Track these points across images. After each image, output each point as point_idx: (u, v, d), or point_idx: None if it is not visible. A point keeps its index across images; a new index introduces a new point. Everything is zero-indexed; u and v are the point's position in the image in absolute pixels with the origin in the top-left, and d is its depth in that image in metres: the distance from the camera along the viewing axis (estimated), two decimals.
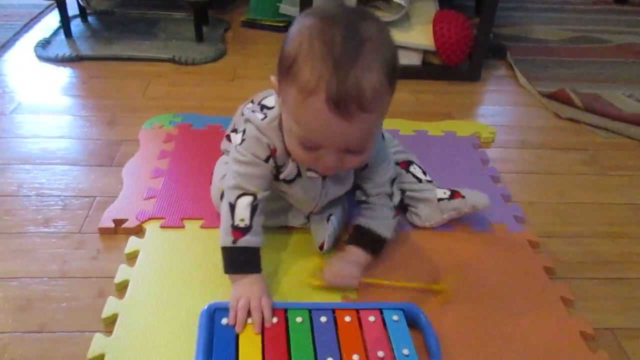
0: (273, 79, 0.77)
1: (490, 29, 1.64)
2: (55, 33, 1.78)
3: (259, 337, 0.74)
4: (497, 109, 1.54)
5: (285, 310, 0.78)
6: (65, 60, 1.62)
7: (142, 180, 1.08)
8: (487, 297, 0.87)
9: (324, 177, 0.86)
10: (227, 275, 0.83)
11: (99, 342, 0.75)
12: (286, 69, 0.70)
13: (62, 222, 0.98)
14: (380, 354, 0.72)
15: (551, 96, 1.55)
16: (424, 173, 1.02)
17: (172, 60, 1.66)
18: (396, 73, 0.72)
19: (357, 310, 0.79)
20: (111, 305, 0.81)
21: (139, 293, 0.83)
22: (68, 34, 1.75)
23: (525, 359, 0.77)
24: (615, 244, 1.02)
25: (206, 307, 0.77)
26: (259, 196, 0.82)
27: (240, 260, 0.81)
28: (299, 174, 0.85)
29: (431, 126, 1.35)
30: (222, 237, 0.81)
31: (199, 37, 1.78)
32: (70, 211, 1.01)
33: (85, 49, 1.69)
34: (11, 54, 1.67)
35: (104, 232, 0.96)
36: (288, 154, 0.82)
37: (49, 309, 0.81)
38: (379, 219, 0.90)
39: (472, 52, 1.63)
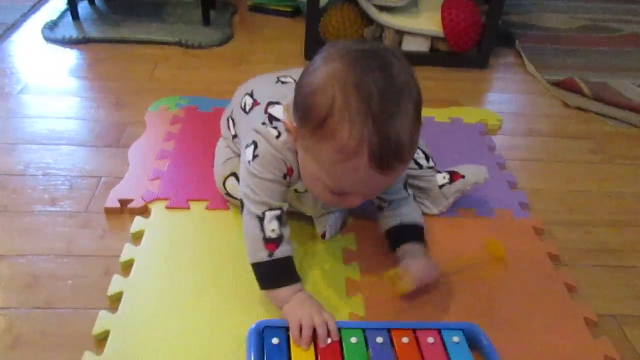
0: (287, 121, 0.74)
1: (499, 16, 1.63)
2: (62, 15, 1.78)
3: (312, 357, 0.69)
4: (505, 97, 1.53)
5: (339, 330, 0.73)
6: (72, 42, 1.62)
7: (148, 162, 1.09)
8: (491, 282, 0.87)
9: None
10: (231, 255, 0.83)
11: (104, 319, 0.75)
12: (316, 123, 0.66)
13: (68, 202, 0.99)
14: None
15: (559, 84, 1.54)
16: (427, 158, 0.99)
17: (179, 44, 1.65)
18: (421, 105, 0.69)
19: (414, 330, 0.74)
20: (116, 283, 0.81)
21: (144, 271, 0.84)
22: (75, 16, 1.75)
23: (528, 344, 0.77)
24: (620, 232, 1.02)
25: (254, 325, 0.73)
26: (284, 208, 0.79)
27: (279, 273, 0.77)
28: (307, 190, 0.84)
29: (438, 112, 1.35)
30: (252, 252, 0.77)
31: (206, 21, 1.77)
32: (76, 191, 1.02)
33: (92, 31, 1.68)
34: (18, 35, 1.67)
35: (109, 211, 0.97)
36: (299, 174, 0.79)
37: (55, 286, 0.82)
38: (409, 213, 0.88)
39: (481, 39, 1.62)
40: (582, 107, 1.45)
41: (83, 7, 1.82)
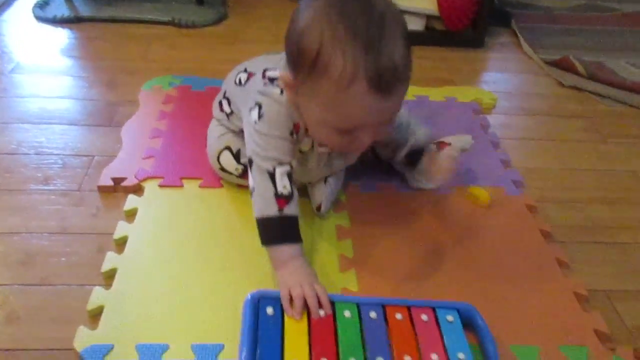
0: (284, 75, 0.74)
1: None
2: None
3: (306, 330, 0.69)
4: (500, 76, 1.52)
5: (332, 303, 0.73)
6: (64, 21, 1.61)
7: (141, 140, 1.08)
8: (483, 257, 0.87)
9: (329, 153, 0.87)
10: (225, 233, 0.84)
11: (98, 295, 0.76)
12: (309, 64, 0.67)
13: (61, 180, 0.99)
14: (434, 357, 0.67)
15: (555, 64, 1.53)
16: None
17: (172, 23, 1.64)
18: (409, 36, 0.70)
19: (409, 308, 0.74)
20: (110, 260, 0.81)
21: (137, 248, 0.84)
22: None
23: (520, 318, 0.78)
24: (612, 209, 1.03)
25: (249, 296, 0.72)
26: (293, 164, 0.79)
27: (284, 231, 0.77)
28: (312, 147, 0.85)
29: (432, 91, 1.34)
30: (261, 207, 0.77)
31: (200, 0, 1.75)
32: (69, 169, 1.01)
33: (84, 10, 1.66)
34: (9, 14, 1.65)
35: (103, 190, 0.96)
36: (306, 129, 0.80)
37: (50, 263, 0.82)
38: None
39: (476, 18, 1.61)
40: (577, 87, 1.45)
41: None
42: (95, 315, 0.74)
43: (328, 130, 0.74)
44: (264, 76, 0.84)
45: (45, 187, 0.97)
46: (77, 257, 0.84)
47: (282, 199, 0.77)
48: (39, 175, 1.00)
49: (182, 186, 0.97)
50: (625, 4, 2.02)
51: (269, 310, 0.71)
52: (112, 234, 0.86)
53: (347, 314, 0.72)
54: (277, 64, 0.83)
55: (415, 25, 1.62)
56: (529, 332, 0.76)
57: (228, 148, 0.93)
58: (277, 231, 0.77)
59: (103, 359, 0.67)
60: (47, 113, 1.18)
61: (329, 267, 0.84)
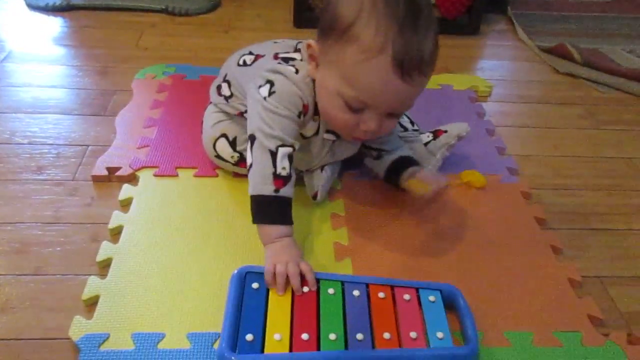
0: (313, 43, 0.76)
1: None
2: None
3: (289, 304, 0.71)
4: (495, 63, 1.52)
5: (318, 281, 0.74)
6: (56, 10, 1.59)
7: (135, 130, 1.07)
8: (478, 244, 0.88)
9: (334, 141, 0.87)
10: (220, 222, 0.84)
11: (93, 284, 0.76)
12: (342, 30, 0.70)
13: (55, 170, 0.98)
14: (413, 334, 0.68)
15: (550, 51, 1.53)
16: (412, 123, 1.03)
17: (165, 11, 1.62)
18: (438, 33, 0.73)
19: (392, 287, 0.75)
20: (105, 249, 0.81)
21: (133, 238, 0.84)
22: None
23: (514, 303, 0.78)
24: (606, 196, 1.03)
25: (237, 270, 0.74)
26: (295, 147, 0.79)
27: (277, 211, 0.77)
28: (316, 133, 0.85)
29: None
30: (257, 184, 0.77)
31: None
32: (63, 159, 1.01)
33: None
34: (1, 2, 1.64)
35: (97, 179, 0.96)
36: (314, 112, 0.82)
37: (44, 253, 0.82)
38: (406, 151, 0.94)
39: (472, 6, 1.60)
40: (573, 73, 1.44)
41: None
42: (90, 305, 0.74)
43: (340, 105, 0.75)
44: (276, 57, 0.84)
45: (39, 177, 0.96)
46: (72, 246, 0.83)
47: (279, 180, 0.77)
48: (33, 165, 0.99)
49: (177, 175, 0.97)
50: None
51: (255, 285, 0.73)
52: (107, 223, 0.86)
53: (330, 291, 0.73)
54: (287, 49, 0.85)
55: None
56: (523, 318, 0.76)
57: (224, 135, 0.92)
58: (269, 211, 0.77)
59: (99, 348, 0.67)
60: (40, 102, 1.17)
61: (324, 256, 0.84)
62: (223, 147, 0.93)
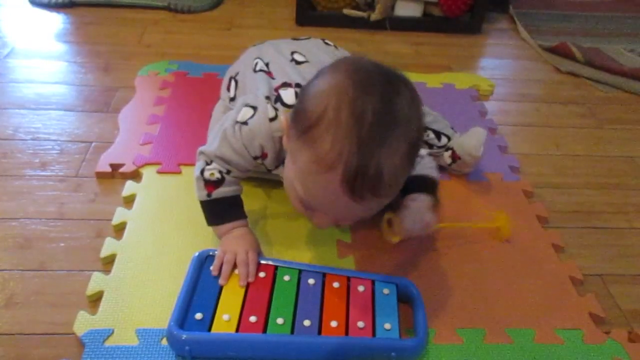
0: (283, 119, 0.72)
1: None
2: None
3: (243, 288, 0.73)
4: (497, 62, 1.52)
5: (276, 267, 0.77)
6: (59, 6, 1.59)
7: (138, 126, 1.08)
8: (480, 242, 0.88)
9: None
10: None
11: (97, 280, 0.76)
12: (303, 128, 0.63)
13: (59, 166, 0.98)
14: (360, 324, 0.70)
15: (552, 50, 1.53)
16: (438, 138, 0.99)
17: (167, 8, 1.62)
18: (418, 148, 0.66)
19: (349, 278, 0.76)
20: (109, 245, 0.82)
21: (136, 234, 0.84)
22: None
23: (516, 301, 0.79)
24: (608, 194, 1.03)
25: (197, 253, 0.77)
26: (232, 174, 0.79)
27: (220, 211, 0.80)
28: None
29: (430, 78, 1.34)
30: (196, 192, 0.79)
31: None
32: (66, 155, 1.01)
33: None
34: None
35: (101, 176, 0.96)
36: (279, 163, 0.80)
37: (48, 249, 0.82)
38: (421, 166, 0.85)
39: (474, 4, 1.60)
40: (574, 73, 1.45)
41: None
42: (94, 300, 0.74)
43: (294, 194, 0.70)
44: (277, 90, 0.82)
45: (43, 173, 0.97)
46: (76, 242, 0.84)
47: (210, 185, 0.78)
48: (36, 160, 0.99)
49: (180, 172, 0.97)
50: None
51: (212, 268, 0.75)
52: (110, 219, 0.86)
53: (286, 278, 0.75)
54: (299, 79, 0.82)
55: (413, 11, 1.61)
56: (524, 315, 0.77)
57: None
58: (214, 213, 0.80)
59: (103, 344, 0.68)
60: (43, 99, 1.17)
61: (327, 254, 0.84)
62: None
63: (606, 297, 0.82)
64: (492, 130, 1.17)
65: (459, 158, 0.97)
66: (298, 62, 0.90)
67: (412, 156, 0.65)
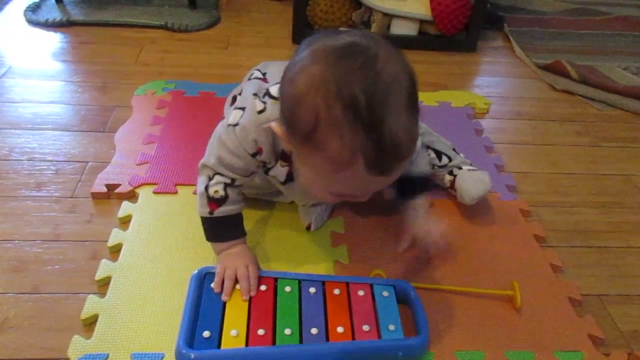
0: (276, 127, 0.67)
1: None
2: None
3: (246, 303, 0.74)
4: (493, 80, 1.53)
5: (275, 279, 0.78)
6: (56, 25, 1.60)
7: (134, 146, 1.08)
8: (477, 261, 0.88)
9: None
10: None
11: (92, 303, 0.75)
12: (303, 136, 0.61)
13: (54, 187, 0.98)
14: (366, 327, 0.72)
15: (547, 67, 1.54)
16: (439, 158, 0.99)
17: (164, 27, 1.63)
18: (415, 88, 0.62)
19: (347, 284, 0.78)
20: (104, 267, 0.81)
21: (132, 256, 0.83)
22: None
23: (515, 322, 0.78)
24: (605, 213, 1.03)
25: (196, 271, 0.77)
26: (237, 182, 0.78)
27: (220, 229, 0.80)
28: (290, 179, 0.81)
29: (426, 96, 1.35)
30: (198, 207, 0.79)
31: (192, 4, 1.75)
32: (62, 176, 1.01)
33: (76, 14, 1.65)
34: (0, 18, 1.64)
35: (96, 196, 0.96)
36: (276, 157, 0.78)
37: (43, 271, 0.81)
38: (417, 162, 0.87)
39: (469, 23, 1.62)
40: (569, 90, 1.46)
41: None
42: (89, 324, 0.73)
43: (320, 189, 0.70)
44: (267, 90, 0.77)
45: (38, 194, 0.96)
46: (71, 264, 0.83)
47: (213, 203, 0.78)
48: (32, 181, 0.99)
49: (176, 192, 0.97)
50: (616, 7, 2.04)
51: (214, 284, 0.76)
52: (106, 241, 0.86)
53: (287, 288, 0.76)
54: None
55: (408, 29, 1.62)
56: (524, 338, 0.76)
57: None
58: (213, 230, 0.80)
59: None
60: (39, 118, 1.17)
61: (321, 244, 0.88)
62: None
63: (605, 317, 0.81)
64: (488, 149, 1.17)
65: (455, 189, 0.97)
66: None
67: (413, 103, 0.62)
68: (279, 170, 0.80)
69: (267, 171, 0.81)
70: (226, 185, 0.78)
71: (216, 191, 0.77)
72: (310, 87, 0.60)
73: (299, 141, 0.63)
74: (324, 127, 0.59)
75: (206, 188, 0.77)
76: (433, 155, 0.99)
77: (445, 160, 0.99)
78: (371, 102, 0.57)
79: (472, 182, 0.95)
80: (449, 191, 1.00)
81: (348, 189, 0.67)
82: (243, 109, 0.77)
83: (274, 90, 0.74)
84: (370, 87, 0.58)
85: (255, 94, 0.77)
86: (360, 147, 0.58)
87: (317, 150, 0.61)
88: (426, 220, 0.84)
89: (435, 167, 0.99)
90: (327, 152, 0.60)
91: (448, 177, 0.98)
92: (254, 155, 0.76)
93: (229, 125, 0.76)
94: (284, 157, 0.78)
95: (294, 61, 0.64)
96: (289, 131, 0.65)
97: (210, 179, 0.78)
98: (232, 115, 0.77)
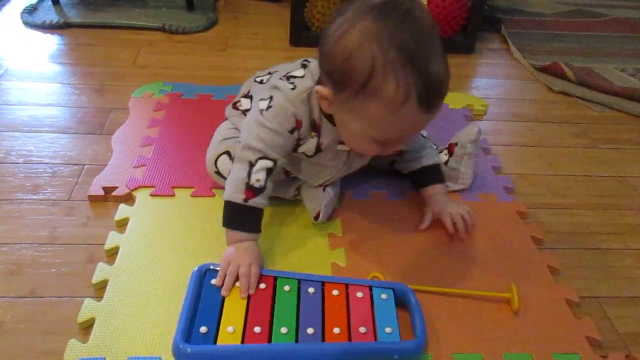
0: (322, 90, 0.75)
1: (485, 1, 1.62)
2: None
3: (245, 300, 0.74)
4: (490, 82, 1.53)
5: (275, 278, 0.78)
6: (53, 27, 1.59)
7: (132, 148, 1.07)
8: (474, 264, 0.88)
9: (349, 152, 0.87)
10: (217, 242, 0.84)
11: (89, 307, 0.75)
12: (359, 85, 0.69)
13: (51, 189, 0.98)
14: (362, 329, 0.72)
15: (544, 69, 1.54)
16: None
17: (162, 29, 1.63)
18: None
19: (347, 285, 0.78)
20: (101, 271, 0.81)
21: (129, 259, 0.83)
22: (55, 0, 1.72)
23: (512, 325, 0.78)
24: (602, 215, 1.03)
25: (197, 267, 0.77)
26: (279, 163, 0.81)
27: (244, 218, 0.80)
28: (318, 150, 0.85)
29: None
30: (230, 191, 0.79)
31: (190, 6, 1.75)
32: (59, 178, 1.00)
33: (72, 16, 1.65)
34: None
35: (93, 199, 0.96)
36: (311, 128, 0.83)
37: (39, 274, 0.81)
38: (429, 155, 0.96)
39: (467, 24, 1.62)
40: (567, 92, 1.46)
41: None
42: (86, 328, 0.73)
43: (366, 141, 0.76)
44: (286, 75, 0.85)
45: (35, 197, 0.96)
46: (68, 267, 0.83)
47: (250, 190, 0.79)
48: (28, 184, 0.98)
49: (173, 195, 0.96)
50: (614, 9, 2.04)
51: (213, 281, 0.76)
52: (103, 244, 0.86)
53: (286, 288, 0.77)
54: (296, 67, 0.86)
55: None
56: (521, 340, 0.76)
57: (227, 152, 0.92)
58: (238, 218, 0.80)
59: None
60: (36, 121, 1.17)
61: (318, 246, 0.88)
62: (224, 165, 0.92)
63: (603, 320, 0.81)
64: (485, 151, 1.17)
65: (456, 144, 0.99)
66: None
67: (443, 48, 0.71)
68: (310, 142, 0.84)
69: (296, 149, 0.85)
70: (268, 171, 0.80)
71: (258, 180, 0.79)
72: (364, 38, 0.68)
73: (351, 94, 0.71)
74: (380, 71, 0.67)
75: (249, 175, 0.79)
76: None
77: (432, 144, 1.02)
78: (419, 46, 0.67)
79: (462, 131, 1.00)
80: (451, 166, 1.00)
81: (398, 131, 0.74)
82: (270, 97, 0.81)
83: (295, 72, 0.83)
84: (416, 34, 0.67)
85: (280, 79, 0.83)
86: (413, 84, 0.67)
87: (373, 96, 0.69)
88: (447, 202, 0.92)
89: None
90: (384, 95, 0.68)
91: (443, 152, 1.02)
92: (292, 131, 0.81)
93: (261, 111, 0.81)
94: (315, 127, 0.83)
95: (337, 23, 0.71)
96: (338, 88, 0.72)
97: (252, 165, 0.79)
98: (259, 105, 0.82)
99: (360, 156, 0.90)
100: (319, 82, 0.79)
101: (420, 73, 0.67)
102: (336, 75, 0.72)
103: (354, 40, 0.69)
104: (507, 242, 0.93)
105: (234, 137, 0.93)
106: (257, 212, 0.81)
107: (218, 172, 0.93)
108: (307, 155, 0.86)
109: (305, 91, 0.80)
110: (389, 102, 0.68)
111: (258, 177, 0.79)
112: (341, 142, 0.85)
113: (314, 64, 0.83)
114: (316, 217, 0.91)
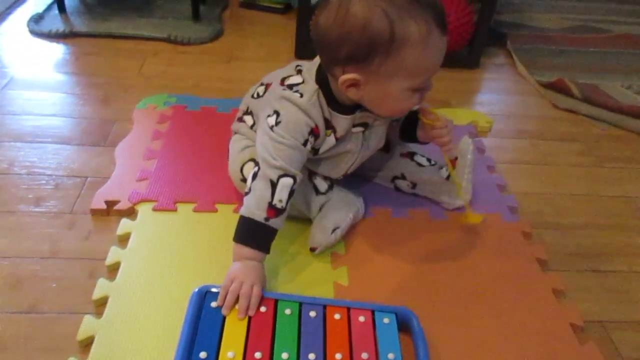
0: (351, 76, 0.76)
1: (492, 15, 1.63)
2: (48, 8, 1.76)
3: (245, 324, 0.73)
4: (495, 97, 1.53)
5: (276, 301, 0.77)
6: (59, 36, 1.60)
7: (135, 161, 1.07)
8: (478, 287, 0.87)
9: (363, 131, 0.88)
10: (219, 260, 0.83)
11: (89, 324, 0.74)
12: (387, 45, 0.72)
13: (53, 202, 0.97)
14: (365, 355, 0.70)
15: (550, 86, 1.54)
16: (429, 160, 1.03)
17: (167, 39, 1.63)
18: None
19: (349, 309, 0.77)
20: (102, 286, 0.80)
21: (130, 275, 0.83)
22: (62, 8, 1.72)
23: (515, 349, 0.77)
24: (608, 236, 1.02)
25: (197, 289, 0.76)
26: (298, 179, 0.81)
27: (259, 236, 0.80)
28: (335, 146, 0.87)
29: None
30: (251, 208, 0.79)
31: (196, 16, 1.75)
32: (61, 191, 1.00)
33: (79, 25, 1.66)
34: (3, 28, 1.64)
35: (95, 213, 0.95)
36: (325, 127, 0.84)
37: (39, 289, 0.81)
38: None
39: (472, 39, 1.62)
40: (572, 109, 1.45)
41: (70, 0, 1.79)
42: (85, 345, 0.72)
43: (408, 96, 0.78)
44: (282, 83, 0.85)
45: (37, 209, 0.95)
46: (68, 282, 0.82)
47: (273, 210, 0.79)
48: (31, 196, 0.98)
49: (175, 210, 0.96)
50: (619, 25, 2.04)
51: (214, 304, 0.75)
52: (104, 259, 0.85)
53: (287, 311, 0.75)
54: (290, 72, 0.86)
55: None
56: None
57: (253, 160, 0.91)
58: (252, 235, 0.80)
59: None
60: (40, 131, 1.16)
61: (321, 265, 0.87)
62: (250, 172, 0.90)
63: (608, 344, 0.80)
64: (490, 169, 1.16)
65: (456, 158, 0.98)
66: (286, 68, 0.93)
67: None
68: (328, 141, 0.86)
69: (316, 153, 0.87)
70: (290, 193, 0.80)
71: (280, 200, 0.79)
72: (369, 4, 0.72)
73: (382, 57, 0.73)
74: (398, 21, 0.71)
75: (272, 194, 0.79)
76: (422, 158, 1.04)
77: (433, 161, 1.04)
78: None
79: (459, 147, 0.98)
80: (452, 180, 0.98)
81: (432, 66, 0.76)
82: (276, 112, 0.82)
83: (292, 80, 0.84)
84: None
85: (284, 90, 0.83)
86: (427, 17, 0.72)
87: (402, 45, 0.72)
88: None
89: (427, 166, 1.03)
90: (411, 38, 0.72)
91: (444, 169, 1.01)
92: (305, 143, 0.82)
93: (272, 127, 0.81)
94: (328, 124, 0.84)
95: (330, 10, 0.75)
96: (366, 62, 0.74)
97: (274, 184, 0.79)
98: (267, 122, 0.82)
99: (374, 134, 0.91)
100: (319, 82, 0.81)
101: (425, 4, 0.72)
102: (360, 51, 0.74)
103: (360, 9, 0.72)
104: (512, 264, 0.92)
105: (252, 145, 0.92)
106: (273, 233, 0.81)
107: (245, 180, 0.91)
108: (327, 151, 0.88)
109: (314, 94, 0.81)
110: (418, 41, 0.72)
111: (281, 197, 0.79)
112: (355, 125, 0.86)
113: (307, 66, 0.85)
114: (312, 250, 0.90)
